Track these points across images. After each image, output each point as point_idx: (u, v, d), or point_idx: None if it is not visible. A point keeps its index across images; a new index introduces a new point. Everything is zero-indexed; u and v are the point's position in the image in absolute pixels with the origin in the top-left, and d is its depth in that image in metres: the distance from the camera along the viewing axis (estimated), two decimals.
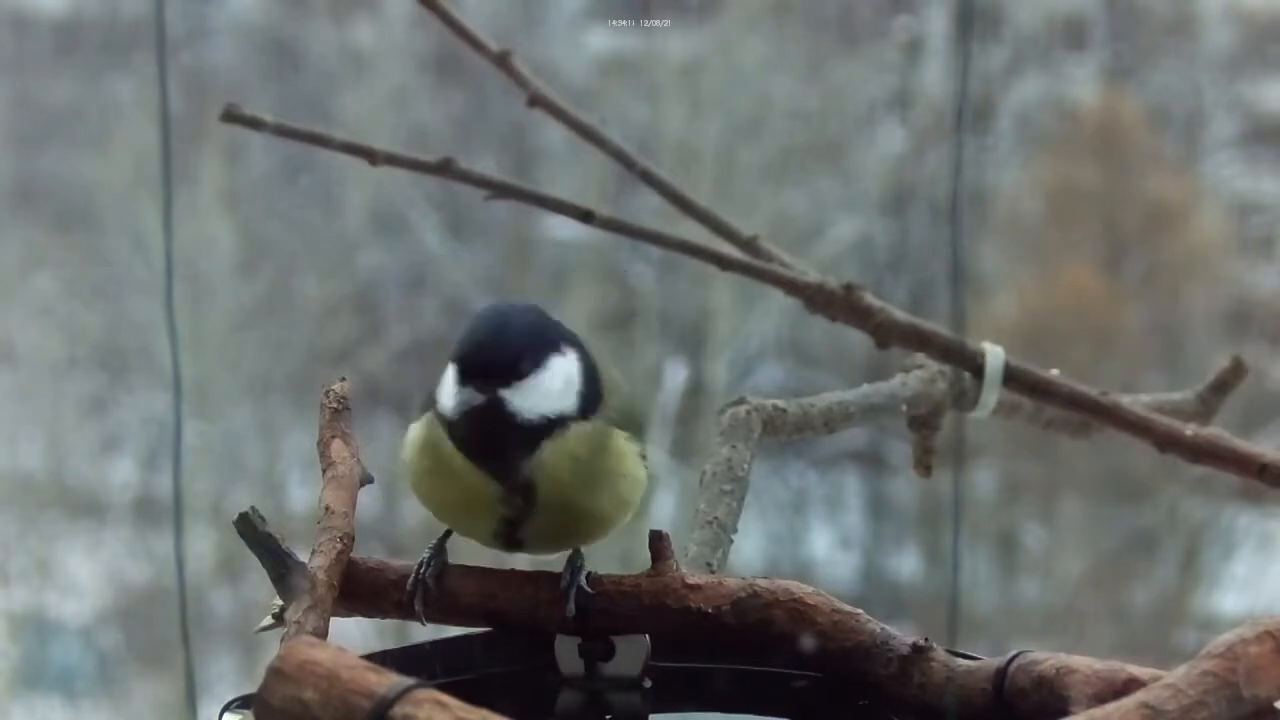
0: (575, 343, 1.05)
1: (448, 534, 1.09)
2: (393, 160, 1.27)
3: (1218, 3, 4.95)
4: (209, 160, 4.58)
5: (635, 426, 1.07)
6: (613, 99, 4.87)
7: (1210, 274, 4.98)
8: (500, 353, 1.02)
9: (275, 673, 0.86)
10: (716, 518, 1.22)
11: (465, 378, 1.02)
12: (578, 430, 1.04)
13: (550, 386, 1.03)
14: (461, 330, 1.03)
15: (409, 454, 1.07)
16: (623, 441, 1.05)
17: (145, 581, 4.60)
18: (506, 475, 1.03)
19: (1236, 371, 1.56)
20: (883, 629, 1.02)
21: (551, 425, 1.03)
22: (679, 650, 1.06)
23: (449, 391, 1.03)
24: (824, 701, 1.04)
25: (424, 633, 1.07)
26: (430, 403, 1.06)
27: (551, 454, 1.03)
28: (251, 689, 0.89)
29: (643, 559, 1.06)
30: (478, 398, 1.02)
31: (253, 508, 1.01)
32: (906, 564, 4.98)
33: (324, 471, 1.10)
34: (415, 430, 1.07)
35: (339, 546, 1.03)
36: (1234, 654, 0.88)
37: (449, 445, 1.04)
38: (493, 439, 1.03)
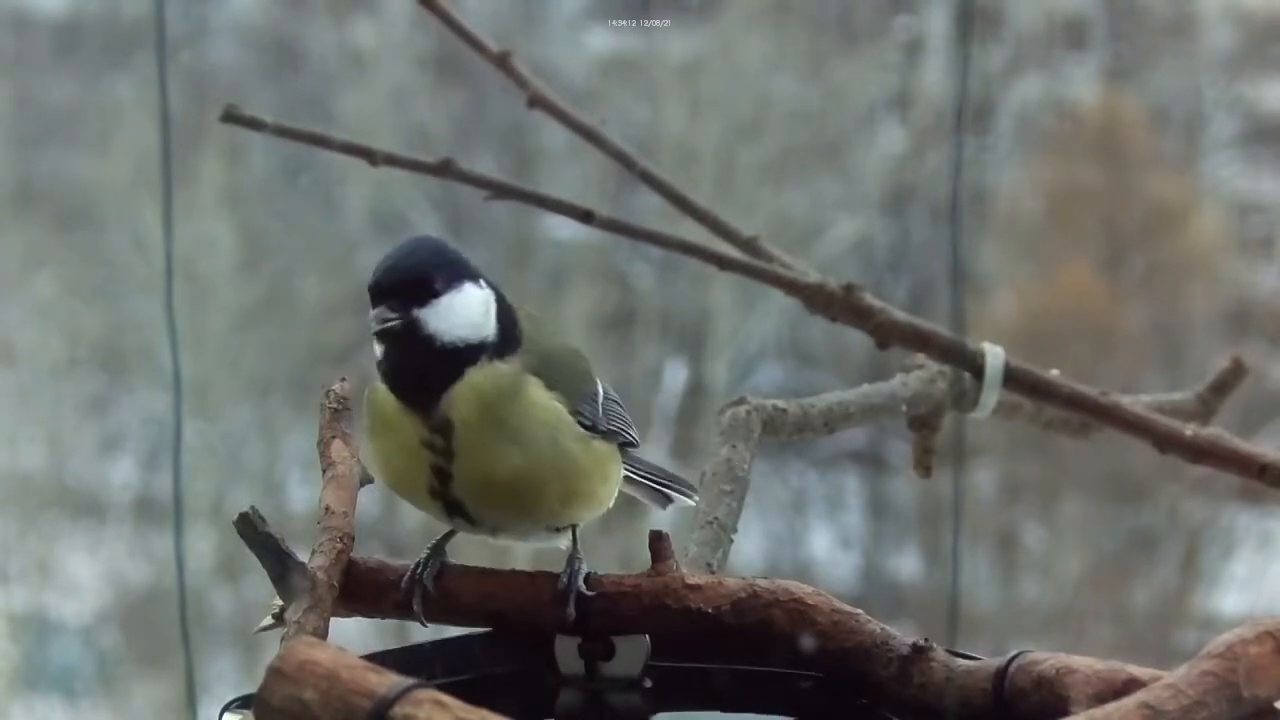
0: (490, 283, 1.05)
1: (448, 535, 1.09)
2: (393, 160, 1.27)
3: (1218, 3, 4.95)
4: (209, 160, 4.58)
5: (562, 381, 1.06)
6: (613, 99, 4.87)
7: (1210, 274, 4.98)
8: (413, 272, 1.02)
9: (275, 673, 0.86)
10: (716, 518, 1.22)
11: (379, 298, 1.02)
12: (492, 369, 1.03)
13: (466, 310, 1.03)
14: (379, 262, 1.03)
15: (363, 416, 1.08)
16: (539, 390, 1.04)
17: (145, 581, 4.60)
18: (425, 406, 1.03)
19: (1236, 371, 1.56)
20: (883, 629, 1.02)
21: (472, 352, 1.02)
22: (679, 650, 1.06)
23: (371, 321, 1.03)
24: (824, 701, 1.04)
25: (424, 633, 1.07)
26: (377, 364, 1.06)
27: (464, 389, 1.02)
28: (251, 689, 0.89)
29: (643, 559, 1.06)
30: (391, 317, 1.01)
31: (253, 508, 1.01)
32: (906, 564, 4.99)
33: (324, 471, 1.10)
34: (365, 392, 1.07)
35: (339, 546, 1.04)
36: (1234, 654, 0.88)
37: (381, 394, 1.04)
38: (412, 363, 1.03)
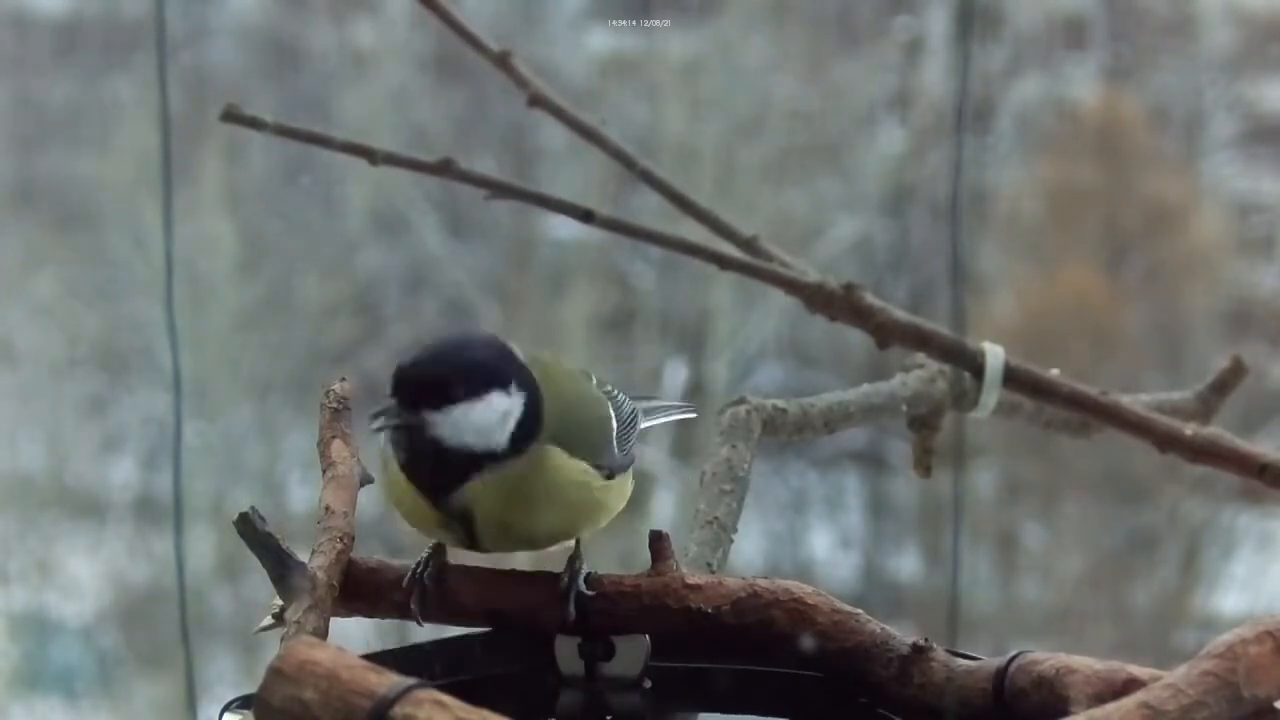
0: (527, 382, 1.03)
1: None
2: (393, 160, 1.27)
3: (1218, 3, 4.95)
4: (209, 160, 4.58)
5: (581, 440, 1.05)
6: (613, 99, 4.87)
7: (1210, 274, 4.98)
8: (433, 375, 1.01)
9: (275, 673, 0.86)
10: (716, 518, 1.22)
11: (394, 392, 1.01)
12: (508, 468, 1.02)
13: (482, 420, 1.02)
14: (401, 359, 1.02)
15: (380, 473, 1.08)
16: (561, 458, 1.04)
17: (145, 581, 4.60)
18: (438, 502, 1.03)
19: (1236, 371, 1.56)
20: (883, 629, 1.02)
21: (479, 459, 1.02)
22: (679, 650, 1.06)
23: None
24: (824, 701, 1.04)
25: (424, 633, 1.07)
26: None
27: (480, 489, 1.02)
28: (251, 689, 0.89)
29: (643, 559, 1.05)
30: (393, 420, 1.01)
31: (253, 508, 1.01)
32: (906, 564, 4.99)
33: (324, 471, 1.10)
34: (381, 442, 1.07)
35: (339, 546, 1.03)
36: (1234, 654, 0.88)
37: (393, 469, 1.04)
38: (419, 464, 1.03)
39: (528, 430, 1.03)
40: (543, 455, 1.03)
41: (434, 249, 4.89)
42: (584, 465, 1.05)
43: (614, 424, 1.10)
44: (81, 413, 4.86)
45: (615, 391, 1.14)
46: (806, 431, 1.38)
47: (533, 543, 1.07)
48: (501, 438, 1.02)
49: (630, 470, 1.10)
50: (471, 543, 1.06)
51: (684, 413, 1.25)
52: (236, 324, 4.75)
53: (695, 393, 4.86)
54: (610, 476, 1.07)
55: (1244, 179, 5.04)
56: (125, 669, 4.55)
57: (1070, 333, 4.71)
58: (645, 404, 1.18)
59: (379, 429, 1.01)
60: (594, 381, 1.13)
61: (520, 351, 1.05)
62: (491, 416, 1.02)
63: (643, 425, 1.16)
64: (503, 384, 1.02)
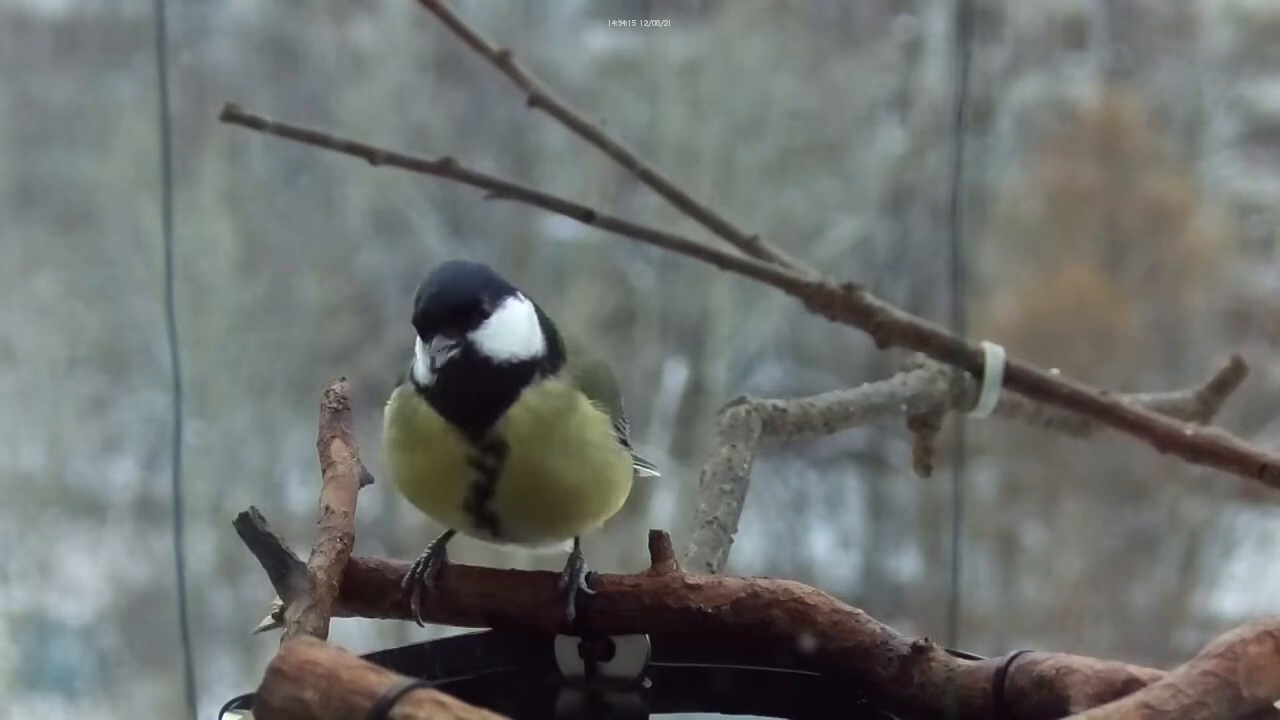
0: (527, 295, 1.05)
1: (448, 535, 1.09)
2: (393, 160, 1.27)
3: (1218, 3, 4.96)
4: (209, 160, 4.58)
5: (604, 395, 1.06)
6: (613, 99, 4.87)
7: (1210, 274, 4.98)
8: (460, 297, 1.02)
9: (275, 673, 0.86)
10: (716, 518, 1.22)
11: (432, 329, 1.01)
12: (544, 388, 1.03)
13: (514, 327, 1.02)
14: (417, 292, 1.03)
15: (384, 431, 1.07)
16: (588, 406, 1.04)
17: (145, 581, 4.60)
18: (481, 428, 1.02)
19: (1236, 371, 1.56)
20: (883, 629, 1.02)
21: (526, 370, 1.02)
22: (679, 650, 1.06)
23: (420, 352, 1.03)
24: (824, 701, 1.04)
25: (424, 633, 1.07)
26: (400, 378, 1.06)
27: (520, 410, 1.02)
28: (251, 689, 0.89)
29: (643, 559, 1.05)
30: (448, 345, 1.01)
31: (253, 508, 1.01)
32: (906, 564, 4.99)
33: (324, 471, 1.10)
34: (388, 406, 1.07)
35: (339, 546, 1.03)
36: (1234, 654, 0.88)
37: (421, 413, 1.04)
38: (470, 387, 1.02)
39: (551, 340, 1.04)
40: (575, 397, 1.04)
41: (434, 249, 4.89)
42: (606, 419, 1.05)
43: (621, 397, 1.10)
44: (81, 413, 4.86)
45: None
46: (806, 431, 1.38)
47: (550, 508, 1.06)
48: (537, 341, 1.03)
49: (633, 463, 1.10)
50: (482, 503, 1.04)
51: (649, 469, 1.20)
52: (236, 324, 4.75)
53: (695, 393, 4.86)
54: (624, 444, 1.07)
55: (1244, 179, 5.05)
56: (125, 669, 4.55)
57: (1070, 333, 4.71)
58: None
59: (443, 363, 1.00)
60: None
61: None
62: (521, 320, 1.03)
63: None
64: (511, 291, 1.03)
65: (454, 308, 1.01)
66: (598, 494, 1.06)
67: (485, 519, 1.06)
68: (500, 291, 1.03)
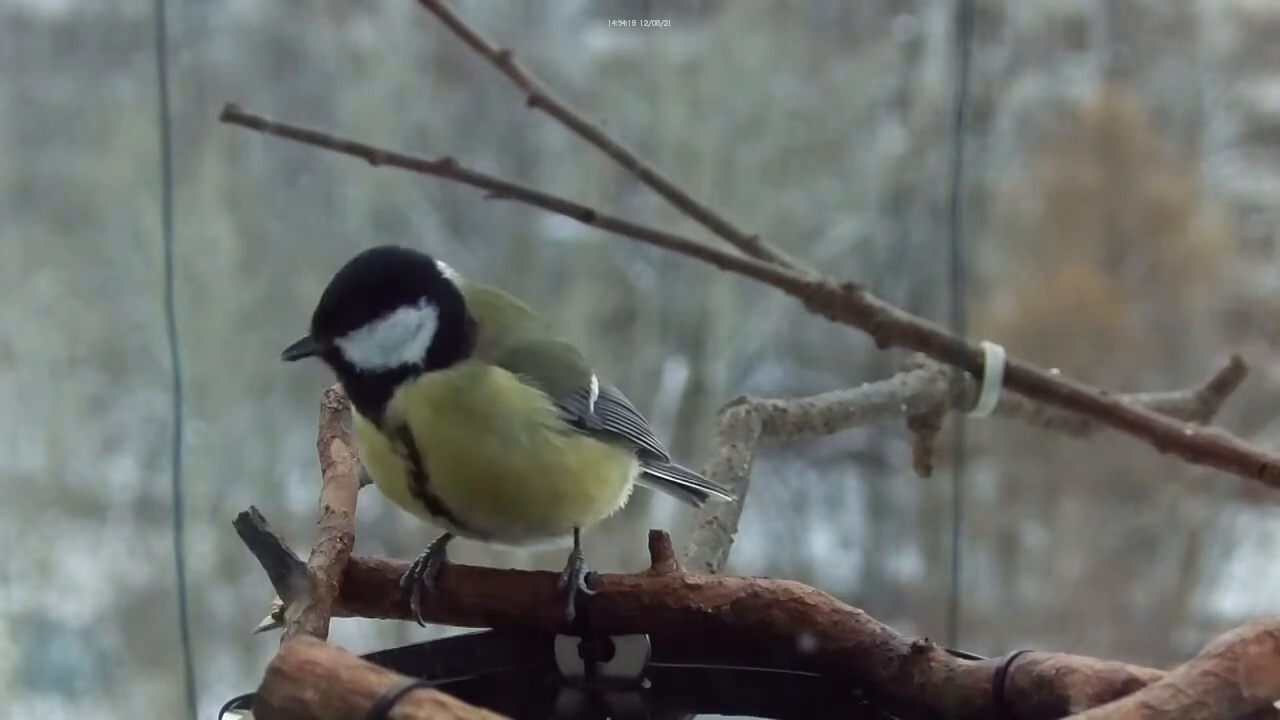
0: (442, 294, 1.05)
1: (447, 535, 1.09)
2: (393, 160, 1.27)
3: (1218, 3, 4.95)
4: (209, 160, 4.58)
5: (537, 372, 1.05)
6: (613, 99, 4.87)
7: (1210, 274, 4.98)
8: (337, 304, 1.04)
9: (275, 673, 0.86)
10: (716, 518, 1.22)
11: (312, 323, 1.05)
12: (431, 377, 1.03)
13: (389, 338, 1.03)
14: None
15: None
16: (505, 379, 1.04)
17: (145, 581, 4.60)
18: (375, 418, 1.04)
19: (1236, 371, 1.56)
20: (883, 629, 1.02)
21: (397, 374, 1.03)
22: (679, 650, 1.06)
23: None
24: (824, 701, 1.04)
25: (424, 633, 1.07)
26: None
27: (406, 398, 1.03)
28: (251, 689, 0.89)
29: (643, 559, 1.05)
30: (305, 349, 1.04)
31: (253, 508, 1.01)
32: (906, 564, 4.98)
33: (324, 471, 1.10)
34: None
35: (339, 546, 1.04)
36: (1234, 654, 0.88)
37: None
38: (345, 383, 1.06)
39: (449, 344, 1.04)
40: (483, 372, 1.04)
41: (434, 249, 4.86)
42: (536, 393, 1.04)
43: (591, 384, 1.08)
44: (81, 413, 4.86)
45: (607, 383, 1.12)
46: (806, 431, 1.38)
47: (495, 493, 1.05)
48: (415, 352, 1.04)
49: (617, 453, 1.09)
50: (424, 489, 1.05)
51: (702, 489, 1.20)
52: (236, 324, 4.74)
53: (695, 393, 4.86)
54: (581, 426, 1.06)
55: (1244, 179, 5.04)
56: (125, 669, 4.55)
57: (1070, 333, 4.71)
58: (672, 464, 1.16)
59: (287, 359, 1.04)
60: (561, 335, 1.12)
61: (454, 275, 1.06)
62: (399, 333, 1.04)
63: (651, 470, 1.14)
64: (409, 299, 1.04)
65: (326, 311, 1.04)
66: (539, 474, 1.05)
67: (434, 505, 1.06)
68: (390, 300, 1.04)
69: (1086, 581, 4.81)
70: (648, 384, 4.79)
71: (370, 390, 1.04)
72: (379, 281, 1.04)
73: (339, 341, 1.04)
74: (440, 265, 1.06)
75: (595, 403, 1.08)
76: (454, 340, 1.04)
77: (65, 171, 4.94)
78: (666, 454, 1.15)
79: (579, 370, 1.08)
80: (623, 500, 1.11)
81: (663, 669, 1.07)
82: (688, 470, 1.19)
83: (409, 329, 1.04)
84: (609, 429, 1.08)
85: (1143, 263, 5.00)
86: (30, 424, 4.83)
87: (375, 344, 1.04)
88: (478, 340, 1.04)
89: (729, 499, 1.22)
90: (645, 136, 4.75)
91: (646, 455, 1.12)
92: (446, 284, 1.05)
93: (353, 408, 1.07)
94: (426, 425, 1.03)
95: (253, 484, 4.70)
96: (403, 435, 1.04)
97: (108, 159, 4.71)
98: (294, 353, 1.04)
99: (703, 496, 1.20)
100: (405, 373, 1.04)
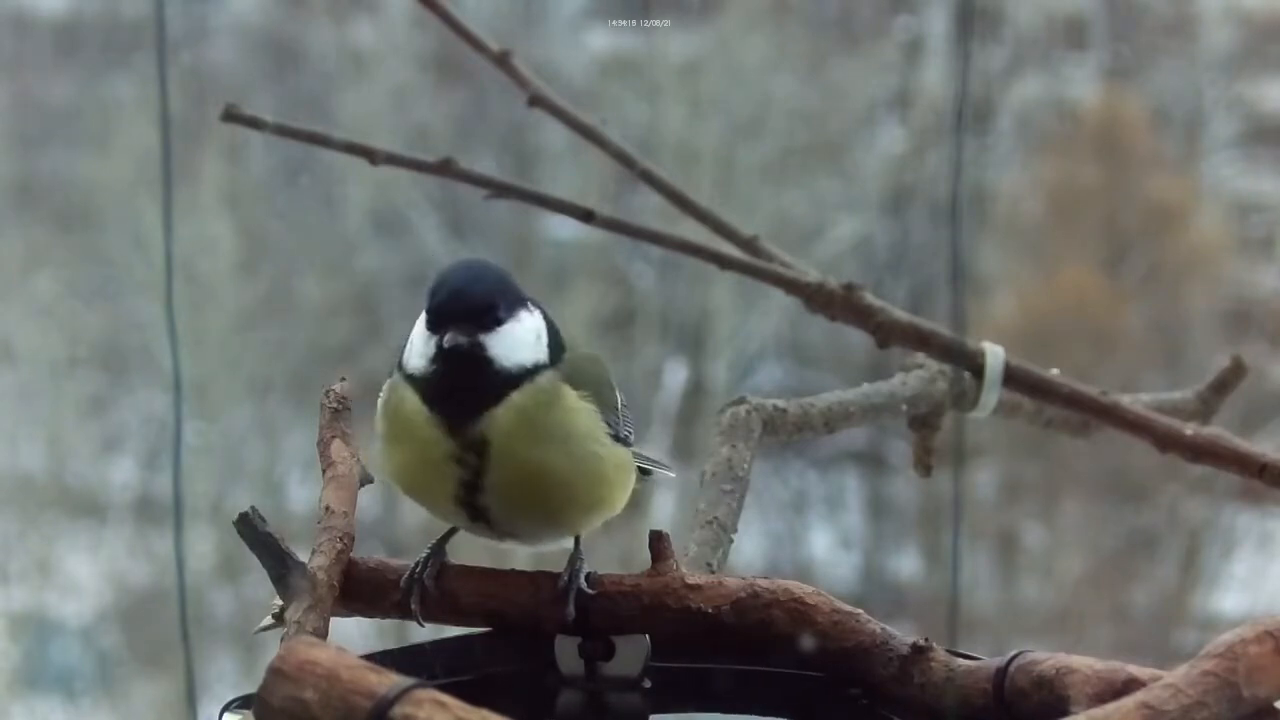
0: (536, 302, 1.07)
1: (447, 535, 1.09)
2: (393, 160, 1.27)
3: (1218, 3, 4.96)
4: (209, 160, 4.58)
5: (591, 387, 1.07)
6: (613, 99, 4.87)
7: (1210, 274, 4.98)
8: (480, 299, 1.04)
9: (275, 673, 0.86)
10: (716, 518, 1.22)
11: (447, 322, 1.03)
12: (532, 386, 1.04)
13: (523, 337, 1.04)
14: (433, 283, 1.05)
15: (376, 422, 1.09)
16: (574, 398, 1.05)
17: (145, 581, 4.60)
18: (464, 423, 1.04)
19: (1236, 371, 1.56)
20: (883, 629, 1.02)
21: (522, 376, 1.04)
22: (679, 650, 1.06)
23: (421, 342, 1.04)
24: (824, 701, 1.04)
25: (424, 633, 1.07)
26: (392, 369, 1.07)
27: (505, 408, 1.04)
28: (251, 689, 0.89)
29: (643, 559, 1.05)
30: (460, 340, 1.03)
31: (253, 508, 1.01)
32: (906, 564, 4.99)
33: (324, 471, 1.10)
34: (380, 398, 1.08)
35: (339, 546, 1.04)
36: (1234, 654, 0.88)
37: (409, 405, 1.05)
38: (468, 384, 1.04)
39: (555, 348, 1.06)
40: (559, 388, 1.05)
41: (434, 249, 4.88)
42: (594, 411, 1.06)
43: (617, 392, 1.10)
44: (81, 413, 4.86)
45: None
46: (806, 431, 1.38)
47: (541, 501, 1.06)
48: (541, 352, 1.05)
49: (631, 457, 1.10)
50: (474, 498, 1.05)
51: (663, 469, 1.21)
52: (236, 324, 4.74)
53: (695, 393, 4.86)
54: (617, 440, 1.07)
55: (1244, 179, 5.04)
56: (125, 669, 4.55)
57: (1070, 333, 4.71)
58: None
59: (453, 346, 1.02)
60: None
61: None
62: (530, 332, 1.05)
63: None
64: (523, 302, 1.06)
65: (472, 307, 1.03)
66: (586, 486, 1.07)
67: (478, 512, 1.06)
68: (516, 300, 1.05)
69: (1086, 581, 4.81)
70: (648, 384, 4.79)
71: (489, 392, 1.04)
72: (504, 285, 1.05)
73: (484, 337, 1.04)
74: None
75: (622, 411, 1.10)
76: (556, 345, 1.06)
77: (65, 171, 4.94)
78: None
79: (614, 385, 1.10)
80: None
81: (663, 669, 1.07)
82: (646, 454, 1.20)
83: (536, 329, 1.05)
84: (628, 436, 1.10)
85: (1143, 263, 5.00)
86: (30, 424, 4.83)
87: (517, 341, 1.04)
88: (562, 348, 1.06)
89: (671, 474, 1.23)
90: (645, 136, 4.75)
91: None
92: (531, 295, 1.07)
93: (407, 410, 1.05)
94: (508, 437, 1.04)
95: (253, 484, 4.70)
96: (477, 448, 1.04)
97: (108, 159, 4.71)
98: (445, 350, 1.03)
99: (647, 473, 1.20)
100: (531, 375, 1.04)
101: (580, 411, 1.05)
